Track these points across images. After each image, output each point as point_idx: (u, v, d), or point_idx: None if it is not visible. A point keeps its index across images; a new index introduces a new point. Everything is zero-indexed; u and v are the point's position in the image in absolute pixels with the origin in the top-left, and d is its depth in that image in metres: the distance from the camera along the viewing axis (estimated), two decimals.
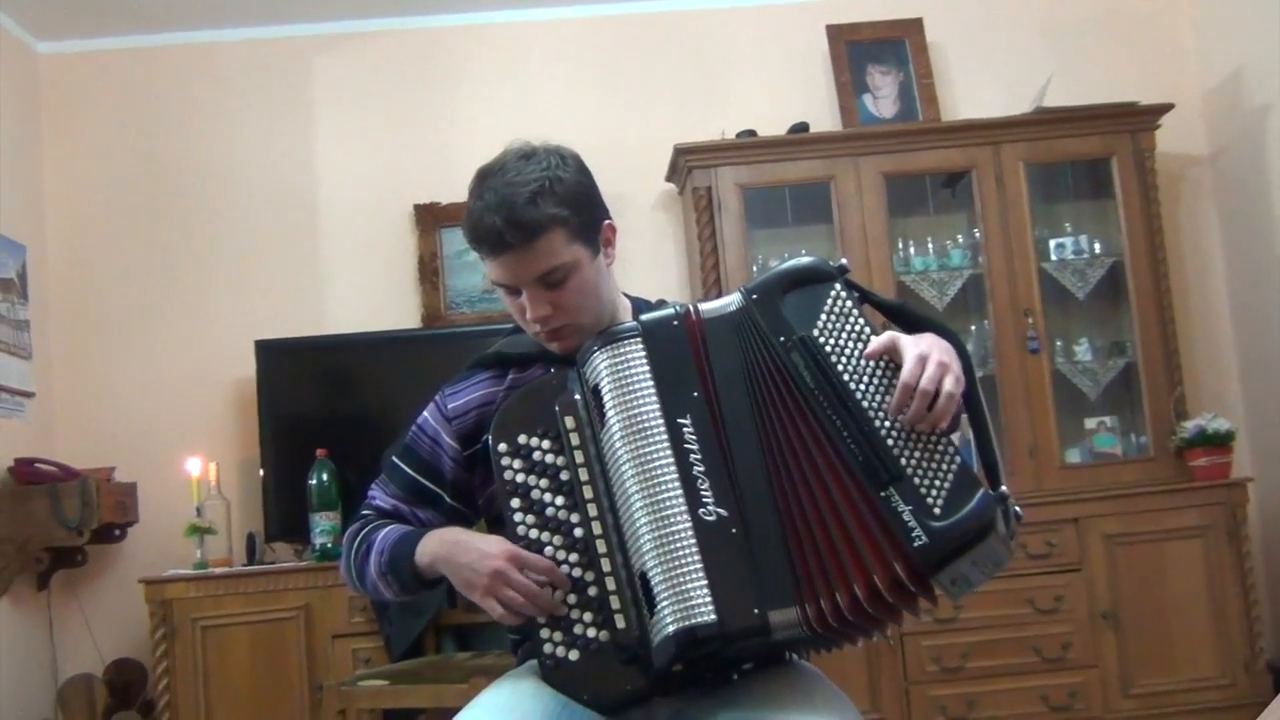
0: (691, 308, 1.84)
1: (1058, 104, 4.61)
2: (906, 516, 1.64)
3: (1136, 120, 4.65)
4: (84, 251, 4.89)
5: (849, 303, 1.78)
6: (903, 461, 1.67)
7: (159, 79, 4.99)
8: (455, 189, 4.70)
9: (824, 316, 1.77)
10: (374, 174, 4.97)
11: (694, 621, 1.64)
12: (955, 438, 1.72)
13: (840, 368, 1.73)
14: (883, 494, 1.66)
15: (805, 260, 1.85)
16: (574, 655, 1.75)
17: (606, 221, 1.98)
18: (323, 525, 4.26)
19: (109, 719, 4.22)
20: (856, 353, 1.74)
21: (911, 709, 4.20)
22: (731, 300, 1.83)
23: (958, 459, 1.68)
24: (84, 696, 4.22)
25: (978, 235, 4.64)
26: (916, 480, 1.66)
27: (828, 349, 1.74)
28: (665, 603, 1.65)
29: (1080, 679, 4.22)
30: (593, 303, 1.94)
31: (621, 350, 1.79)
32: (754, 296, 1.80)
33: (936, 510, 1.64)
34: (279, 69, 5.02)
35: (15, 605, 4.36)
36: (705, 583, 1.65)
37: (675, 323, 1.81)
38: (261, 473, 4.58)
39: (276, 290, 4.89)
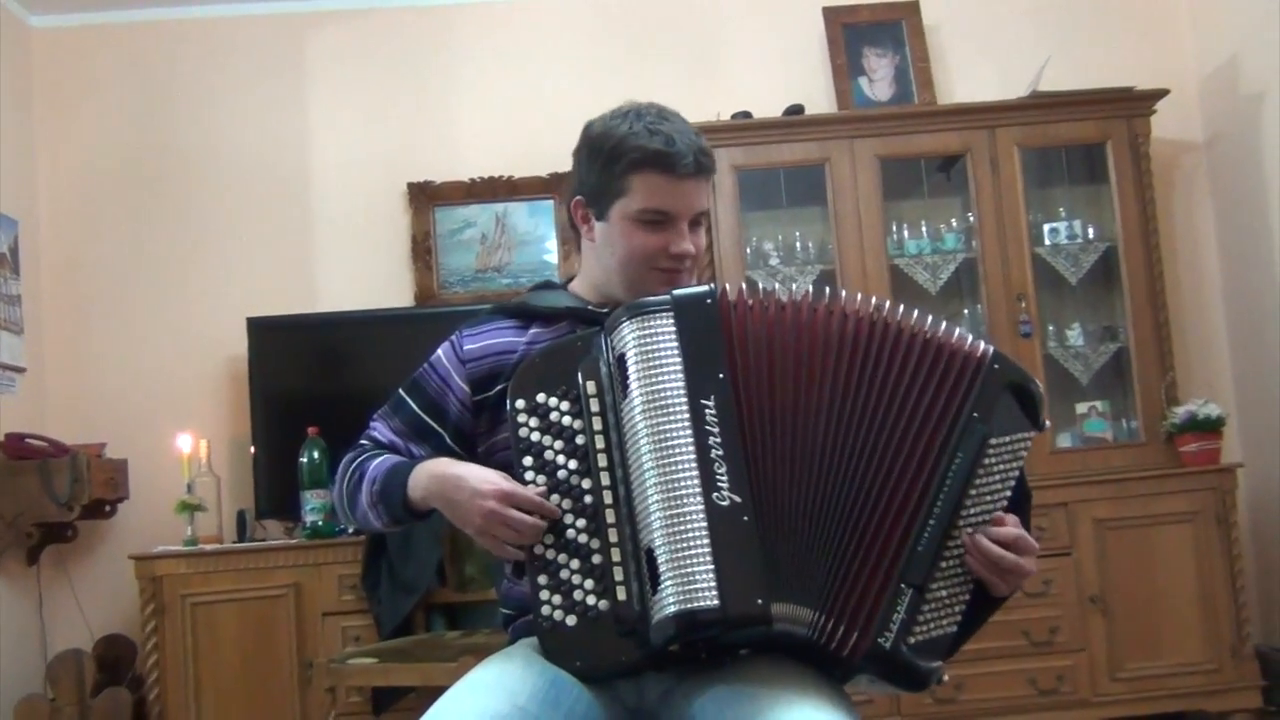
0: (800, 290, 1.83)
1: (1053, 88, 4.60)
2: (895, 618, 1.68)
3: (1132, 105, 4.64)
4: (76, 227, 4.88)
5: (1024, 453, 1.80)
6: (933, 585, 1.71)
7: (152, 53, 4.97)
8: (448, 168, 4.79)
9: (1007, 440, 1.78)
10: (367, 152, 4.95)
11: (696, 604, 1.63)
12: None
13: (975, 480, 1.74)
14: (902, 585, 1.69)
15: (1040, 391, 1.85)
16: (571, 621, 1.74)
17: None
18: (313, 503, 4.26)
19: (98, 694, 4.22)
20: (991, 486, 1.76)
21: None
22: (981, 342, 1.82)
23: (956, 626, 1.73)
24: (73, 672, 4.22)
25: (972, 219, 4.64)
26: (925, 607, 1.70)
27: (985, 460, 1.75)
28: (669, 582, 1.65)
29: (1068, 662, 4.24)
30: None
31: (651, 323, 1.76)
32: (995, 366, 1.80)
33: (911, 640, 1.69)
34: (273, 45, 5.00)
35: (5, 580, 4.35)
36: (711, 567, 1.65)
37: (708, 301, 1.79)
38: (252, 450, 4.58)
39: (269, 268, 4.88)
